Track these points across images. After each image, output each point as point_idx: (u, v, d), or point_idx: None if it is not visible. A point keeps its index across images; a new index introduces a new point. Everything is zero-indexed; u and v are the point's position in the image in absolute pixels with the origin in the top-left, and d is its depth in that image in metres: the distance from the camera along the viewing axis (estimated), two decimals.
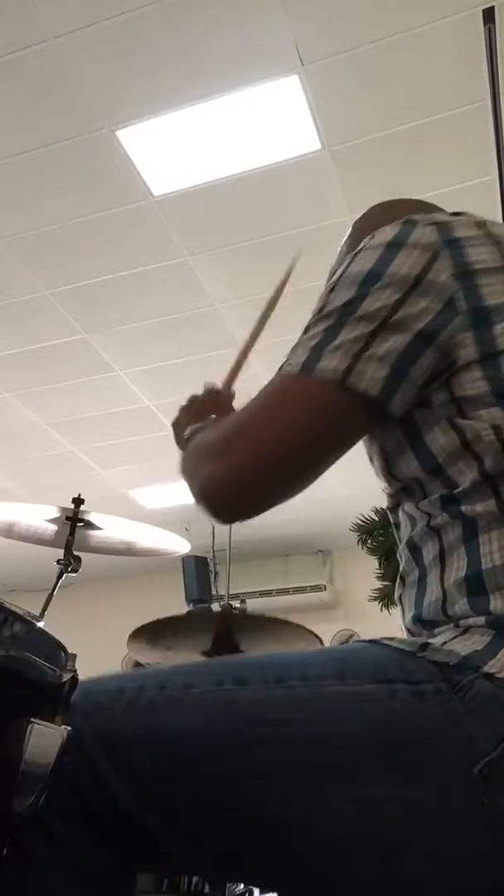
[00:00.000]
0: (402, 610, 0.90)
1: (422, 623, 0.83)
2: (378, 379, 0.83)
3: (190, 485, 0.95)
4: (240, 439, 0.89)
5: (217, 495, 0.89)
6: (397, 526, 0.96)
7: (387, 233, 0.90)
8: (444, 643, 0.75)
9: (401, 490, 0.92)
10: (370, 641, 0.80)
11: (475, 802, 0.66)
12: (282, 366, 0.90)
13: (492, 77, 2.04)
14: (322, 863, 0.70)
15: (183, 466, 1.01)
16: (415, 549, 0.87)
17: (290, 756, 0.71)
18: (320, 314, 0.90)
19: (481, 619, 0.75)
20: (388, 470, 0.93)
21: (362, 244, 0.92)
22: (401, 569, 0.92)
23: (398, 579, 0.93)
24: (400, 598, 0.91)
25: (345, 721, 0.71)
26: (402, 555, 0.92)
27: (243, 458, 0.87)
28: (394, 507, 0.95)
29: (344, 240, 1.21)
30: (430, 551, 0.85)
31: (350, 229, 1.22)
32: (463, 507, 0.81)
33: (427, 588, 0.84)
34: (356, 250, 0.92)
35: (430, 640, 0.76)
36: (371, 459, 0.98)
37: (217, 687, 0.76)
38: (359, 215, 1.21)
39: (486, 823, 0.66)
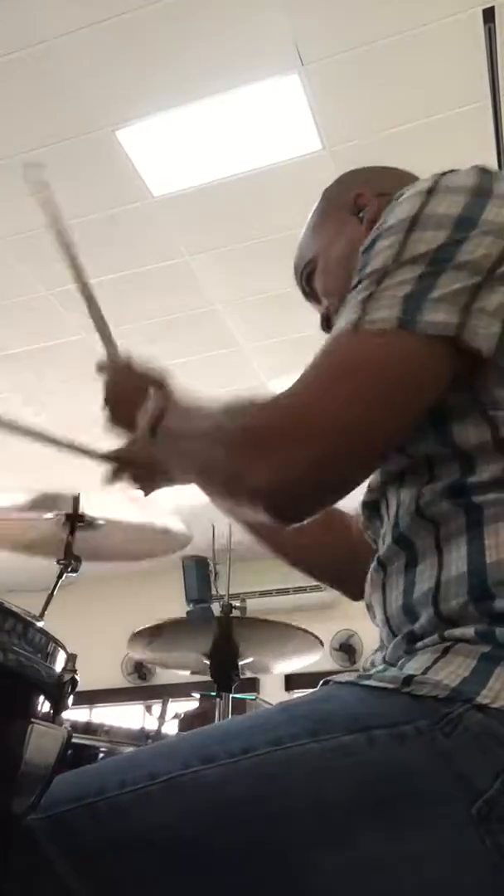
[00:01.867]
0: (383, 599, 0.83)
1: (409, 615, 0.78)
2: (491, 336, 0.72)
3: (227, 484, 0.80)
4: (320, 422, 0.71)
5: (294, 495, 0.74)
6: (375, 509, 0.89)
7: (463, 179, 0.78)
8: (427, 670, 0.69)
9: (404, 468, 0.82)
10: (344, 682, 0.74)
11: (476, 845, 0.62)
12: (350, 324, 0.75)
13: (492, 77, 2.04)
14: None
15: (198, 462, 0.88)
16: (402, 539, 0.81)
17: (274, 832, 0.65)
18: (400, 259, 0.75)
19: (470, 631, 0.70)
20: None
21: (418, 188, 0.79)
22: (380, 556, 0.84)
23: (374, 569, 0.85)
24: (382, 586, 0.84)
25: (325, 782, 0.66)
26: (384, 542, 0.84)
27: (329, 447, 0.71)
28: (382, 485, 0.86)
29: (314, 211, 1.19)
30: (423, 541, 0.78)
31: (320, 199, 1.19)
32: (474, 498, 0.74)
33: (418, 577, 0.78)
34: (410, 195, 0.79)
35: (411, 671, 0.70)
36: None
37: (183, 770, 0.69)
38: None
39: (491, 864, 0.62)
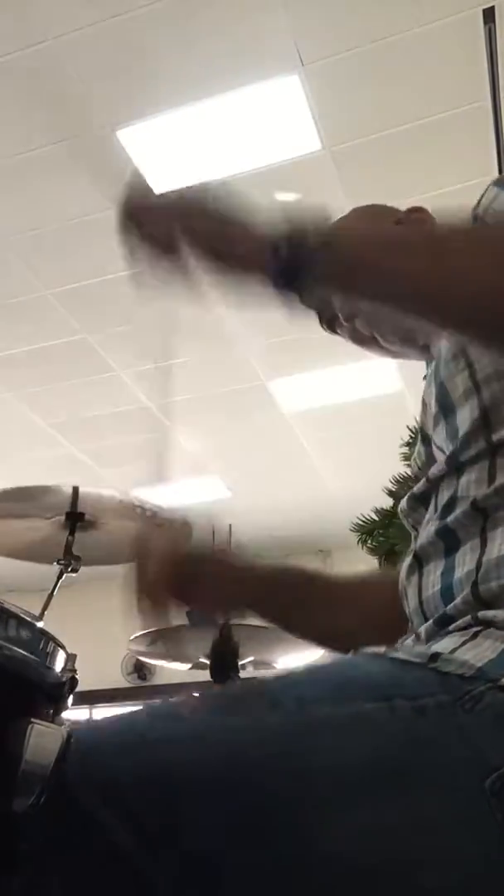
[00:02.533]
0: (419, 585, 0.85)
1: (445, 597, 0.79)
2: None
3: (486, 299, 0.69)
4: None
5: None
6: (424, 499, 0.90)
7: None
8: (454, 650, 0.71)
9: (469, 458, 0.82)
10: (374, 654, 0.76)
11: (487, 818, 0.63)
12: None
13: (492, 77, 2.04)
14: (339, 894, 0.66)
15: (436, 275, 0.72)
16: (445, 530, 0.82)
17: (292, 789, 0.67)
18: None
19: (502, 613, 0.72)
20: (487, 420, 0.81)
21: None
22: (421, 543, 0.86)
23: (413, 556, 0.87)
24: (419, 573, 0.85)
25: (344, 746, 0.68)
26: (425, 529, 0.86)
27: None
28: (440, 477, 0.87)
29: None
30: (468, 530, 0.80)
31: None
32: None
33: (458, 561, 0.79)
34: None
35: (438, 649, 0.72)
36: (452, 407, 0.86)
37: (210, 716, 0.71)
38: None
39: (499, 838, 0.63)
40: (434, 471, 0.89)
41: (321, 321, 1.14)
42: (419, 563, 0.86)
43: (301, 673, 0.76)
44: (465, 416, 0.85)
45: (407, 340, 1.11)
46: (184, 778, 0.68)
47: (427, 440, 0.94)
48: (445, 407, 0.88)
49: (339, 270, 0.75)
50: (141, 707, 0.81)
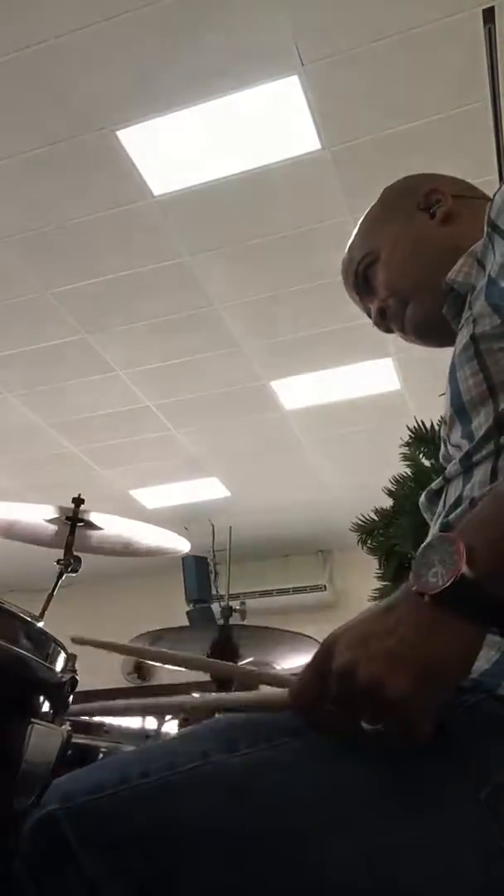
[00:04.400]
0: None
1: None
2: None
3: None
4: None
5: None
6: (439, 496, 0.90)
7: None
8: None
9: (479, 460, 0.84)
10: None
11: (485, 830, 0.63)
12: None
13: (492, 77, 2.04)
14: None
15: None
16: (448, 527, 0.83)
17: (293, 819, 0.67)
18: None
19: None
20: (500, 424, 0.83)
21: None
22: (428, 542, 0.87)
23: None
24: None
25: (341, 770, 0.68)
26: (432, 531, 0.87)
27: None
28: (453, 476, 0.88)
29: (375, 204, 1.17)
30: None
31: (383, 194, 1.17)
32: None
33: None
34: None
35: None
36: (465, 409, 0.86)
37: (203, 760, 0.70)
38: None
39: (494, 847, 0.63)
40: (450, 469, 0.90)
41: (376, 315, 1.11)
42: None
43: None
44: (480, 421, 0.86)
45: None
46: (179, 831, 0.67)
47: (445, 439, 0.96)
48: (459, 409, 0.89)
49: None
50: (133, 753, 0.79)
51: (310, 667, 0.70)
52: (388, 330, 1.12)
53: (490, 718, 0.66)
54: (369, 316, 1.16)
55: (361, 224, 1.16)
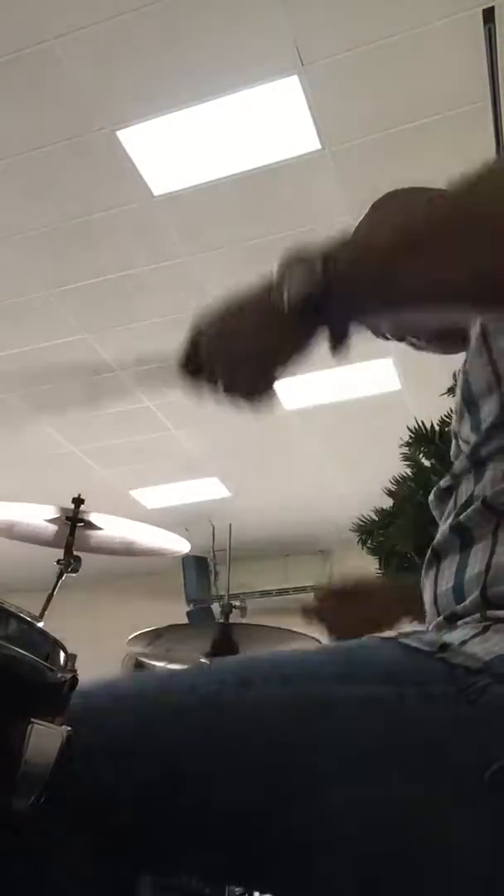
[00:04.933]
0: (435, 579, 0.86)
1: (457, 595, 0.81)
2: None
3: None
4: None
5: None
6: (449, 494, 0.92)
7: None
8: (464, 642, 0.73)
9: (488, 456, 0.84)
10: (387, 638, 0.78)
11: (486, 810, 0.65)
12: None
13: (492, 77, 2.04)
14: (327, 864, 0.69)
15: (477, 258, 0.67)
16: (460, 527, 0.84)
17: (297, 759, 0.70)
18: None
19: None
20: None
21: None
22: (439, 537, 0.88)
23: (431, 549, 0.89)
24: (436, 568, 0.87)
25: (353, 724, 0.70)
26: (443, 524, 0.88)
27: None
28: (462, 473, 0.89)
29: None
30: (482, 528, 0.81)
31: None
32: None
33: (470, 560, 0.81)
34: None
35: (448, 640, 0.73)
36: (475, 400, 0.86)
37: (220, 688, 0.73)
38: (359, 216, 1.20)
39: (494, 829, 0.64)
40: (458, 466, 0.90)
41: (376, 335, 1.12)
42: (437, 557, 0.87)
43: (314, 652, 0.79)
44: (488, 410, 0.86)
45: (443, 339, 1.10)
46: (190, 749, 0.71)
47: (455, 434, 0.95)
48: (469, 400, 0.89)
49: (361, 296, 0.76)
50: (157, 674, 0.83)
51: (188, 345, 0.86)
52: (400, 339, 1.12)
53: (498, 702, 0.67)
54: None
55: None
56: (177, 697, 0.74)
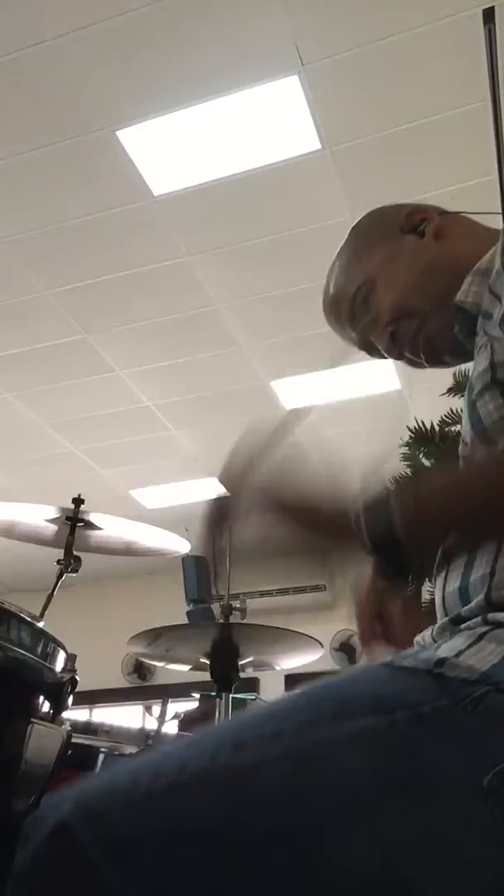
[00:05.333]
0: (444, 581, 0.87)
1: (462, 597, 0.81)
2: None
3: None
4: None
5: None
6: None
7: None
8: (460, 653, 0.72)
9: None
10: (380, 665, 0.77)
11: (487, 818, 0.64)
12: None
13: (492, 77, 2.03)
14: None
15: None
16: None
17: (303, 814, 0.68)
18: None
19: None
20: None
21: None
22: (444, 545, 0.89)
23: (441, 553, 0.89)
24: (445, 570, 0.87)
25: (349, 764, 0.69)
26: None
27: None
28: None
29: (346, 244, 1.16)
30: None
31: (353, 233, 1.16)
32: None
33: (476, 562, 0.81)
34: None
35: (443, 654, 0.73)
36: (487, 433, 0.89)
37: (213, 759, 0.71)
38: (359, 216, 1.21)
39: (498, 837, 0.64)
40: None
41: (387, 340, 1.10)
42: (447, 558, 0.88)
43: (301, 696, 0.76)
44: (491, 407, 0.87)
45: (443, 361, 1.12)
46: (193, 830, 0.69)
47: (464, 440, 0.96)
48: (481, 434, 0.89)
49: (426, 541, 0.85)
50: (144, 756, 0.81)
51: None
52: (399, 356, 1.11)
53: (495, 710, 0.67)
54: (364, 348, 1.14)
55: (340, 263, 1.14)
56: (170, 779, 0.71)
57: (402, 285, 1.06)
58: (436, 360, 1.10)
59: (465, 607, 0.80)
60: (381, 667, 0.77)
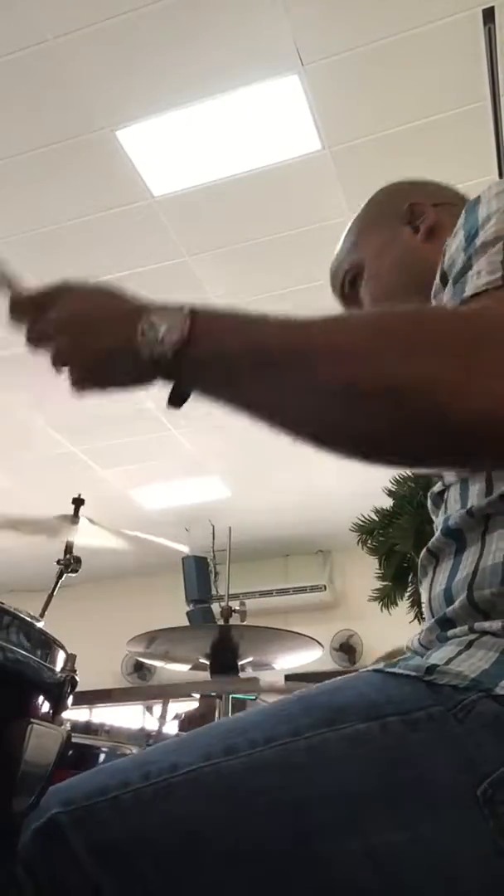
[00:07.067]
0: (430, 583, 0.87)
1: (447, 599, 0.81)
2: None
3: (415, 393, 0.63)
4: None
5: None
6: (442, 499, 0.92)
7: None
8: (450, 660, 0.72)
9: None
10: (371, 670, 0.77)
11: (481, 826, 0.64)
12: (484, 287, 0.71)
13: (492, 77, 2.04)
14: None
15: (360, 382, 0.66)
16: (451, 532, 0.84)
17: (295, 821, 0.67)
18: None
19: (497, 624, 0.73)
20: None
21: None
22: (432, 544, 0.88)
23: (425, 555, 0.89)
24: (432, 571, 0.87)
25: (341, 770, 0.68)
26: (437, 531, 0.89)
27: None
28: (451, 483, 0.89)
29: (357, 217, 1.19)
30: (473, 532, 0.82)
31: (366, 206, 1.19)
32: None
33: (461, 563, 0.81)
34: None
35: (434, 661, 0.73)
36: None
37: (205, 761, 0.71)
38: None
39: (493, 845, 0.63)
40: (448, 475, 0.91)
41: None
42: (435, 558, 0.88)
43: (294, 702, 0.76)
44: None
45: None
46: (183, 834, 0.68)
47: None
48: None
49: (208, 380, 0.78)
50: (133, 757, 0.80)
51: (34, 298, 0.90)
52: None
53: (487, 717, 0.66)
54: None
55: (348, 233, 1.17)
56: (161, 781, 0.71)
57: (382, 284, 1.08)
58: None
59: (450, 608, 0.80)
60: (373, 673, 0.76)
